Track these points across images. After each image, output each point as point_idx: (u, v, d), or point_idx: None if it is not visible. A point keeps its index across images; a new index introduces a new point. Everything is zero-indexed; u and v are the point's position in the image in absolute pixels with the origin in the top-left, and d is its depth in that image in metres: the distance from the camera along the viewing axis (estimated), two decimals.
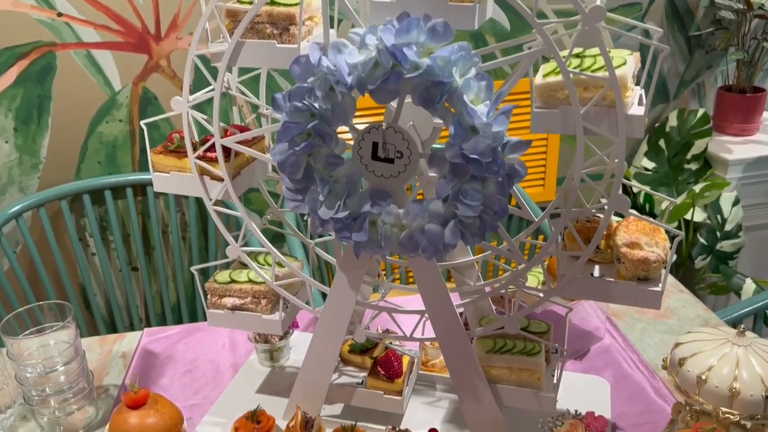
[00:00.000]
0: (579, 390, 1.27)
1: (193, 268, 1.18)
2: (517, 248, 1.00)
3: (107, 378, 1.39)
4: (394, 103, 0.97)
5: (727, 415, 0.95)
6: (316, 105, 0.89)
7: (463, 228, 0.92)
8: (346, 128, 0.96)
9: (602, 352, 1.40)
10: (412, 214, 0.94)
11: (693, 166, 2.68)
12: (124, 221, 2.33)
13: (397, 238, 0.95)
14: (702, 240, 2.63)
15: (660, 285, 0.96)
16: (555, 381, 1.11)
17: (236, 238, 1.13)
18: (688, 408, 1.07)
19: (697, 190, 2.44)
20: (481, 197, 0.89)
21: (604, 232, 0.98)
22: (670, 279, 1.66)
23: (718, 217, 2.61)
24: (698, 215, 2.59)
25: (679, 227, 2.61)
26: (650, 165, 2.72)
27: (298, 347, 1.45)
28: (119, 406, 1.00)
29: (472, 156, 0.85)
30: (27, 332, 1.21)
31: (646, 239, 0.96)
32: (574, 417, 1.09)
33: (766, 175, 2.67)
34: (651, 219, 0.96)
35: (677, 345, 1.05)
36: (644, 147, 2.76)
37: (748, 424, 1.04)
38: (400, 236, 0.95)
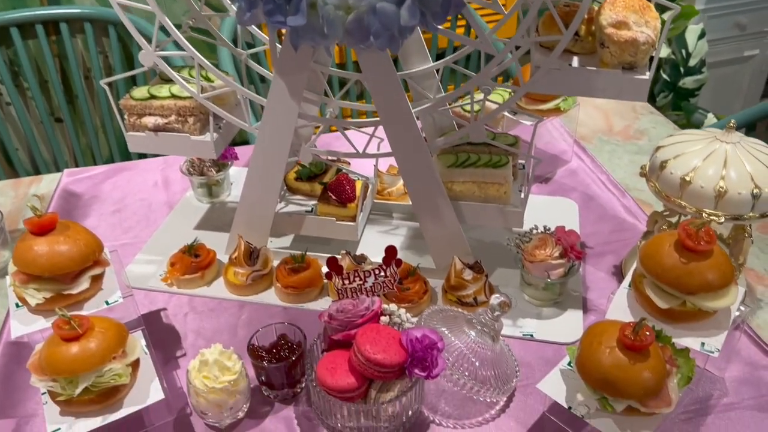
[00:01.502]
0: (546, 212, 1.18)
1: (102, 82, 1.00)
2: (486, 36, 0.85)
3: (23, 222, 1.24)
4: None
5: (711, 217, 0.86)
6: None
7: (423, 5, 0.76)
8: None
9: (569, 175, 1.31)
10: None
11: None
12: (39, 65, 2.07)
13: (342, 22, 0.78)
14: (665, 76, 2.52)
15: (648, 73, 0.83)
16: (522, 196, 1.01)
17: None
18: (664, 217, 0.99)
19: (665, 18, 2.29)
20: None
21: (585, 16, 0.84)
22: (640, 102, 1.55)
23: (683, 51, 2.49)
24: (662, 51, 2.46)
25: None
26: None
27: (239, 182, 1.30)
28: (23, 235, 0.85)
29: None
30: None
31: (635, 18, 0.81)
32: (542, 232, 1.00)
33: (732, 6, 2.54)
34: None
35: (658, 148, 0.95)
36: None
37: (727, 232, 0.98)
38: (347, 20, 0.78)
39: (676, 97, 2.56)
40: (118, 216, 1.23)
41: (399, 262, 0.89)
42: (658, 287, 0.79)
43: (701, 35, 2.47)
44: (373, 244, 1.13)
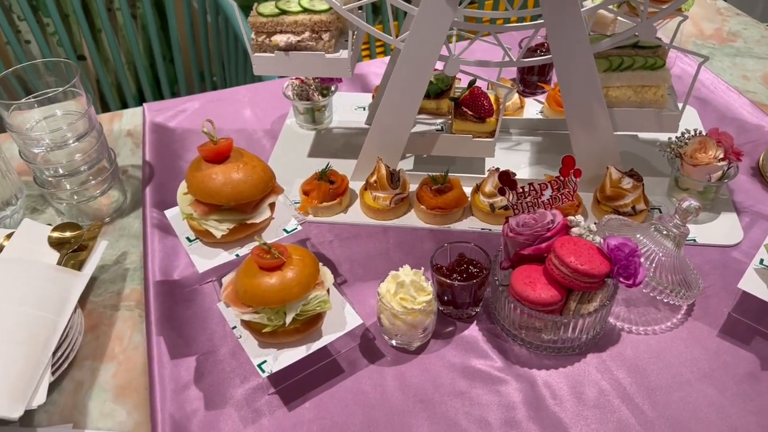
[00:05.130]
0: None
1: None
2: None
3: (120, 160, 1.17)
4: None
5: None
6: None
7: None
8: None
9: (676, 81, 1.27)
10: None
11: None
12: None
13: None
14: None
15: None
16: (674, 100, 0.98)
17: None
18: None
19: None
20: None
21: None
22: (724, 3, 1.52)
23: None
24: None
25: None
26: None
27: (338, 108, 1.25)
28: (194, 162, 0.79)
29: None
30: (26, 100, 0.95)
31: None
32: (699, 135, 0.97)
33: None
34: None
35: None
36: None
37: None
38: None
39: None
40: None
41: (578, 173, 0.86)
42: None
43: None
44: (498, 162, 1.10)
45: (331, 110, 1.22)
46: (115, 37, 2.03)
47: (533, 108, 1.21)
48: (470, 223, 1.00)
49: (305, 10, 0.93)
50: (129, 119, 1.26)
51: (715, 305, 0.87)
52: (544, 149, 1.13)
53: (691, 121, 1.17)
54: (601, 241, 0.79)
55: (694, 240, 0.95)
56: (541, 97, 1.23)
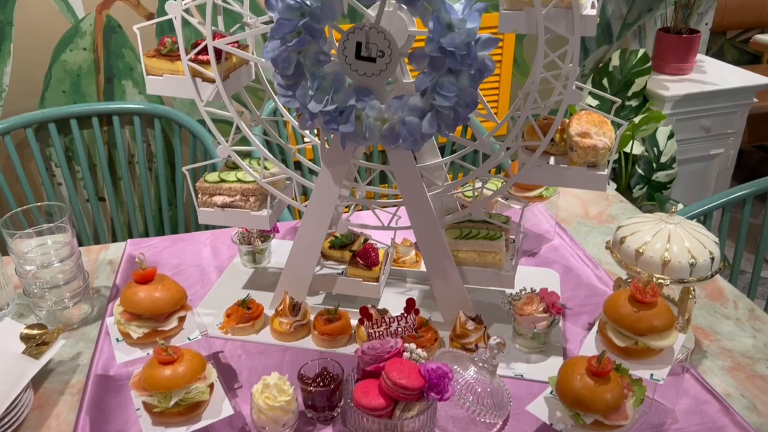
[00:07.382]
0: (532, 280, 1.43)
1: (184, 169, 1.26)
2: (483, 140, 1.13)
3: (97, 281, 1.48)
4: (373, 11, 1.07)
5: (659, 281, 1.12)
6: (308, 2, 0.99)
7: (439, 119, 1.05)
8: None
9: (552, 251, 1.57)
10: (393, 108, 1.05)
11: (633, 103, 2.88)
12: (90, 151, 2.36)
13: (379, 130, 1.07)
14: (640, 171, 2.84)
15: (606, 170, 1.11)
16: (513, 263, 1.26)
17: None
18: (627, 280, 1.24)
19: (637, 121, 2.63)
20: (455, 89, 1.01)
21: (558, 127, 1.12)
22: (613, 192, 1.84)
23: (655, 149, 2.82)
24: (637, 148, 2.79)
25: (619, 160, 2.83)
26: (594, 103, 2.90)
27: (277, 252, 1.56)
28: (129, 282, 1.09)
29: (449, 49, 0.97)
30: (26, 231, 1.27)
31: (596, 129, 1.10)
32: (530, 293, 1.24)
33: (697, 111, 2.89)
34: (600, 111, 1.10)
35: (619, 228, 1.22)
36: (588, 86, 2.92)
37: (676, 294, 1.23)
38: (383, 128, 1.07)
39: (650, 189, 2.87)
40: (177, 278, 1.47)
41: (417, 312, 1.13)
42: (617, 330, 1.04)
43: (670, 135, 2.81)
44: (391, 302, 1.37)
45: (270, 253, 1.53)
46: (131, 184, 2.44)
47: None
48: (352, 348, 1.26)
49: (238, 180, 1.28)
50: (113, 251, 1.59)
51: (523, 427, 1.08)
52: (429, 296, 1.40)
53: (552, 282, 1.44)
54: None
55: (522, 375, 1.19)
56: None
